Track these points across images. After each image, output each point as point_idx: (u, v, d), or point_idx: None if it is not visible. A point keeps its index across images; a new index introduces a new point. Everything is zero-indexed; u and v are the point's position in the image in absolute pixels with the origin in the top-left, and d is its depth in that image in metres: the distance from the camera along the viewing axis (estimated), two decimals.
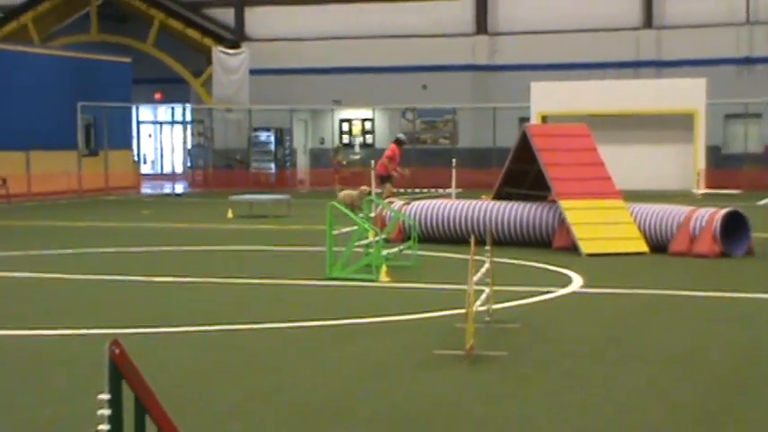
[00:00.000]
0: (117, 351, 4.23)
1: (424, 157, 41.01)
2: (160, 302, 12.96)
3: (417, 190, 34.77)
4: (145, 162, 50.13)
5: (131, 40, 44.95)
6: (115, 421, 4.24)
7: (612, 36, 42.47)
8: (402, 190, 33.00)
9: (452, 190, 27.91)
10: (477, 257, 9.51)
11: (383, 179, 27.42)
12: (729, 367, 9.11)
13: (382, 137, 44.33)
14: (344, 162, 43.04)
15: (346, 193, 24.69)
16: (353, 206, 21.64)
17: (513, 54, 43.45)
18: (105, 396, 4.23)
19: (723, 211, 17.20)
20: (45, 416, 7.53)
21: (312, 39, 45.32)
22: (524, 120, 35.58)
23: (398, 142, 28.20)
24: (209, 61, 44.11)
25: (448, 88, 43.32)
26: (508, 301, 12.02)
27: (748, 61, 41.30)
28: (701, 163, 36.80)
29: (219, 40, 44.73)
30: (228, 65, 43.38)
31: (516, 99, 39.65)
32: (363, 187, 25.47)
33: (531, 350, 9.66)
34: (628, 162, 32.76)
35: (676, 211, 17.74)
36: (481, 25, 44.26)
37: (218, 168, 44.51)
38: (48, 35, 45.94)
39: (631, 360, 9.37)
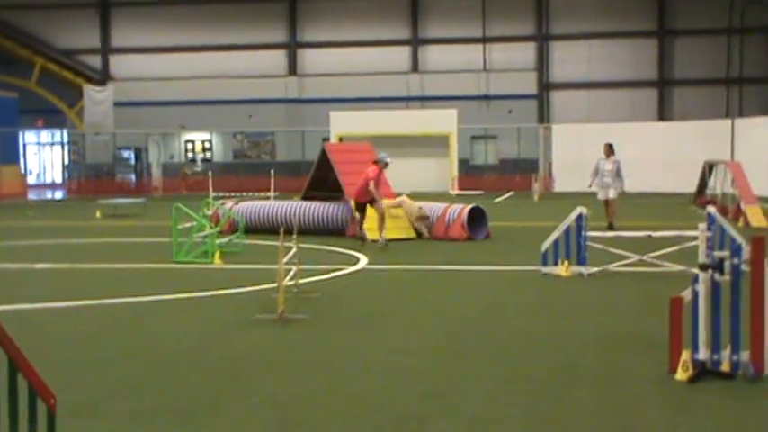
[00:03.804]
0: None
1: (250, 169, 41.30)
2: (41, 284, 12.41)
3: (244, 193, 34.41)
4: (30, 174, 47.97)
5: (18, 80, 43.00)
6: None
7: (390, 78, 43.11)
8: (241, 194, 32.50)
9: (271, 193, 27.68)
10: (287, 244, 9.49)
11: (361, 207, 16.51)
12: (450, 318, 9.35)
13: (219, 153, 44.28)
14: (189, 173, 42.49)
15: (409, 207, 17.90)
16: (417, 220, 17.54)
17: (316, 91, 43.58)
18: None
19: (469, 207, 17.67)
20: None
21: (163, 78, 44.50)
22: (326, 139, 35.69)
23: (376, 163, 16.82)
24: (81, 96, 42.69)
25: (268, 116, 43.30)
26: (311, 276, 12.05)
27: (486, 98, 42.67)
28: (455, 171, 37.71)
29: (89, 79, 43.55)
30: (96, 99, 42.09)
31: (319, 124, 39.81)
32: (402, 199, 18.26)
33: (328, 313, 9.70)
34: (401, 171, 33.06)
35: (436, 207, 18.10)
36: (292, 69, 44.24)
37: (90, 178, 42.99)
38: None
39: (400, 316, 9.52)
